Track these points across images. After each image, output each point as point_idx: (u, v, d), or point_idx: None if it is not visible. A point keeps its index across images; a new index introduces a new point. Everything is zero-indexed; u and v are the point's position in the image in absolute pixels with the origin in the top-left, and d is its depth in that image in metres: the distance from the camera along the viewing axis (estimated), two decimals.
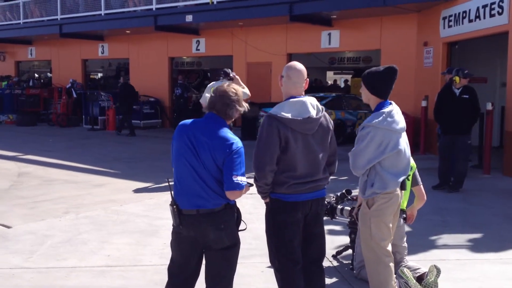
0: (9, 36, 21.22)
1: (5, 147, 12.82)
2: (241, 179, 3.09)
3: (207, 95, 8.20)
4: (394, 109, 3.63)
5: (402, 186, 3.67)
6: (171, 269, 3.35)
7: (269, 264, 4.67)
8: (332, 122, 3.52)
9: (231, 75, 8.51)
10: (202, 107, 8.37)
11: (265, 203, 3.51)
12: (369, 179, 3.61)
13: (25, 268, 4.81)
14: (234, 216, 3.23)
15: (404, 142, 3.65)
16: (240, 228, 3.29)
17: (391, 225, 3.68)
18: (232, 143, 3.09)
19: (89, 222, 6.37)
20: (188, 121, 3.21)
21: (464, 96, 8.05)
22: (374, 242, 3.63)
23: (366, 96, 3.71)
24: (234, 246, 3.22)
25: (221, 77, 8.44)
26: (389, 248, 3.70)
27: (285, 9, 13.20)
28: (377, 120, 3.55)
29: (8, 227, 6.13)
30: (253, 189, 8.32)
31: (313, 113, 3.34)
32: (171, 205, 3.14)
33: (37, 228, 6.07)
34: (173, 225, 3.21)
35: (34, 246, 5.43)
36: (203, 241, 3.16)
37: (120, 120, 16.33)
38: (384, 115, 3.56)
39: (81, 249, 5.36)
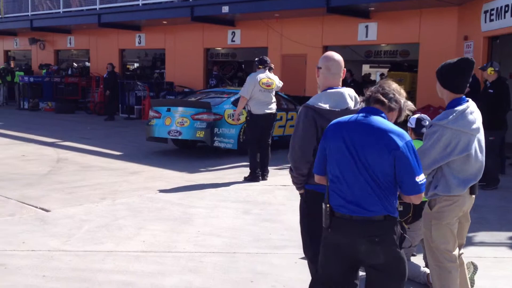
0: (49, 25, 21.66)
1: (45, 134, 13.15)
2: (422, 178, 2.67)
3: (249, 87, 8.16)
4: (470, 108, 3.34)
5: (472, 191, 3.43)
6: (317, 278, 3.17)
7: (302, 256, 4.68)
8: None
9: (268, 62, 8.42)
10: (240, 99, 8.45)
11: (300, 194, 3.50)
12: (434, 180, 3.42)
13: (63, 250, 4.94)
14: (393, 230, 2.72)
15: (477, 144, 3.36)
16: (403, 245, 2.86)
17: (456, 229, 3.47)
18: (399, 137, 2.67)
19: (125, 208, 6.48)
20: (343, 118, 2.85)
21: (489, 90, 7.83)
22: (434, 245, 3.47)
23: (440, 91, 3.46)
24: (396, 265, 2.76)
25: (261, 67, 8.33)
26: (455, 253, 3.47)
27: (322, 0, 13.09)
28: (446, 120, 3.30)
29: (47, 210, 6.30)
30: (287, 180, 8.32)
31: (351, 104, 3.32)
32: (325, 203, 2.83)
33: (75, 213, 6.21)
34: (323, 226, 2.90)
35: (72, 229, 5.57)
36: (352, 252, 2.76)
37: None
38: (455, 114, 3.30)
39: (117, 234, 5.47)
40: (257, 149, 8.21)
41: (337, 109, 3.26)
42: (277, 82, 8.44)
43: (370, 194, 2.68)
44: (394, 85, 2.87)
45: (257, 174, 8.20)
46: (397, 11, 13.67)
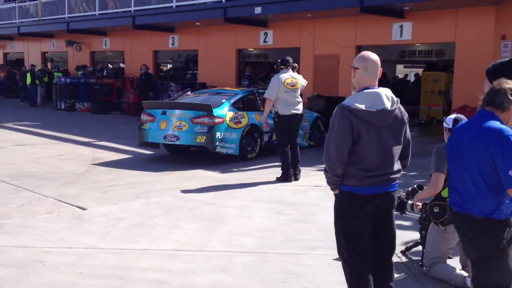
0: (85, 27, 22.11)
1: (81, 134, 13.42)
2: None
3: (273, 88, 8.11)
4: None
5: None
6: None
7: (336, 257, 4.64)
8: (407, 114, 3.43)
9: (290, 62, 8.33)
10: (266, 101, 8.38)
11: (334, 194, 3.47)
12: None
13: (99, 248, 5.03)
14: (489, 231, 2.99)
15: None
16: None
17: None
18: (499, 131, 2.91)
19: (158, 207, 6.56)
20: (464, 123, 3.24)
21: None
22: None
23: None
24: (481, 261, 3.05)
25: (283, 67, 8.27)
26: None
27: (355, 0, 12.98)
28: None
29: (84, 209, 6.42)
30: (319, 181, 8.27)
31: (387, 104, 3.27)
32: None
33: (110, 211, 6.32)
34: None
35: (107, 227, 5.67)
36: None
37: None
38: None
39: (151, 232, 5.54)
40: (287, 149, 8.17)
41: (373, 110, 3.22)
42: (302, 81, 8.37)
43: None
44: (508, 85, 3.00)
45: (289, 174, 8.17)
46: (432, 10, 13.46)
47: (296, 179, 8.23)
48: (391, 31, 14.41)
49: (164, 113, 9.63)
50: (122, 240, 5.26)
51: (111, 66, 24.90)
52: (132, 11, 19.14)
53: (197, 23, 18.52)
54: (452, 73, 14.13)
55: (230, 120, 9.56)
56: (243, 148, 9.75)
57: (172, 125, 9.42)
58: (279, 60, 8.46)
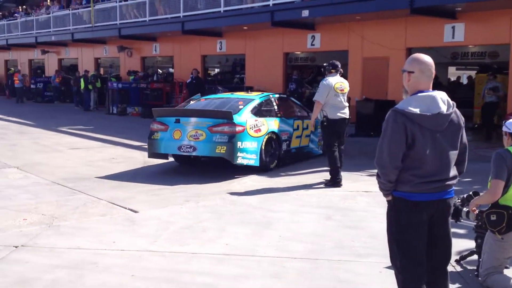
0: (136, 33, 22.64)
1: (132, 137, 13.74)
2: None
3: (323, 92, 8.07)
4: None
5: None
6: None
7: (387, 265, 4.55)
8: (463, 118, 3.32)
9: (339, 66, 8.34)
10: (315, 104, 8.24)
11: (387, 201, 3.40)
12: None
13: (151, 251, 5.11)
14: None
15: None
16: None
17: None
18: None
19: (207, 211, 6.62)
20: None
21: None
22: None
23: None
24: None
25: (334, 71, 8.24)
26: None
27: (405, 1, 12.74)
28: None
29: (135, 211, 6.56)
30: (369, 186, 8.15)
31: (443, 108, 3.18)
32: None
33: (161, 214, 6.43)
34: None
35: (158, 230, 5.76)
36: None
37: None
38: None
39: (201, 236, 5.59)
40: (336, 153, 8.11)
41: (428, 114, 3.14)
42: (348, 86, 8.38)
43: None
44: None
45: (338, 179, 8.10)
46: (486, 11, 13.05)
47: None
48: (443, 33, 14.06)
49: (177, 121, 8.83)
50: (173, 243, 5.34)
51: (160, 71, 25.39)
52: (181, 16, 19.45)
53: (245, 27, 18.63)
54: (507, 75, 13.65)
55: (250, 128, 8.76)
56: (263, 158, 8.98)
57: (188, 134, 8.65)
58: (328, 64, 8.41)
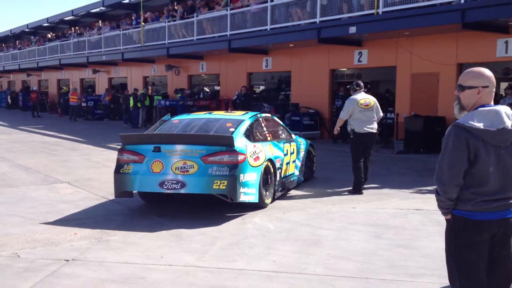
0: (183, 52, 23.06)
1: None
2: None
3: (347, 109, 8.77)
4: None
5: None
6: None
7: (443, 285, 4.37)
8: None
9: (362, 85, 9.04)
10: (338, 119, 8.99)
11: (446, 220, 3.25)
12: None
13: (197, 266, 5.08)
14: None
15: None
16: None
17: None
18: None
19: (254, 227, 6.55)
20: None
21: None
22: None
23: None
24: None
25: (358, 88, 8.95)
26: None
27: (457, 16, 12.43)
28: None
29: (181, 227, 6.55)
30: (420, 204, 7.90)
31: (508, 123, 3.02)
32: None
33: (207, 230, 6.40)
34: None
35: (205, 246, 5.73)
36: None
37: None
38: None
39: (248, 252, 5.52)
40: (360, 164, 8.74)
41: (492, 129, 2.99)
42: (375, 102, 9.00)
43: None
44: None
45: (360, 188, 8.71)
46: None
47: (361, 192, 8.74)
48: (495, 48, 13.63)
49: (157, 149, 6.98)
50: (220, 259, 5.29)
51: (207, 89, 25.71)
52: (228, 35, 19.68)
53: (291, 45, 18.65)
54: None
55: (250, 156, 7.17)
56: (262, 193, 7.41)
57: (172, 166, 6.88)
58: (353, 84, 9.15)
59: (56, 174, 10.62)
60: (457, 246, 3.13)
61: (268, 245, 5.78)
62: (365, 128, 8.71)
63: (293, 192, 8.82)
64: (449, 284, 3.29)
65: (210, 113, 8.89)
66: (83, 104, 29.67)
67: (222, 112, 9.34)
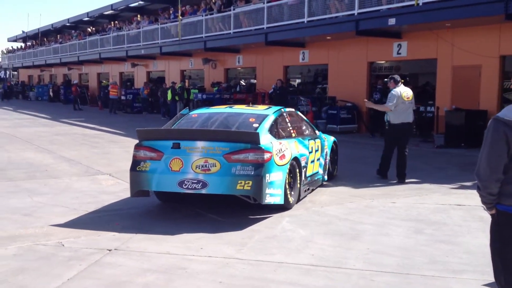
0: (220, 46, 23.18)
1: None
2: None
3: (394, 100, 9.05)
4: None
5: None
6: None
7: (486, 281, 4.29)
8: None
9: (400, 79, 9.42)
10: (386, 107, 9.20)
11: (491, 215, 3.18)
12: None
13: (237, 259, 5.12)
14: None
15: None
16: None
17: None
18: None
19: (292, 220, 6.55)
20: None
21: None
22: None
23: None
24: None
25: (399, 82, 9.34)
26: None
27: (500, 7, 12.09)
28: None
29: (218, 219, 6.61)
30: (462, 199, 7.75)
31: None
32: None
33: (246, 222, 6.43)
34: None
35: (244, 238, 5.77)
36: None
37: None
38: None
39: (286, 245, 5.53)
40: (391, 155, 9.29)
41: None
42: (412, 94, 9.42)
43: None
44: None
45: (384, 171, 9.39)
46: None
47: (403, 180, 9.11)
48: None
49: (177, 146, 6.52)
50: (258, 252, 5.32)
51: (243, 82, 25.76)
52: (265, 28, 19.66)
53: (328, 37, 18.50)
54: None
55: (276, 154, 6.66)
56: (287, 193, 6.93)
57: (193, 164, 6.41)
58: (394, 77, 9.51)
59: (97, 166, 10.87)
60: (502, 241, 3.08)
61: (306, 239, 5.77)
62: (401, 120, 9.12)
63: (328, 186, 8.77)
64: (492, 280, 3.23)
65: (231, 107, 8.35)
66: (123, 98, 30.19)
67: (243, 106, 8.58)
